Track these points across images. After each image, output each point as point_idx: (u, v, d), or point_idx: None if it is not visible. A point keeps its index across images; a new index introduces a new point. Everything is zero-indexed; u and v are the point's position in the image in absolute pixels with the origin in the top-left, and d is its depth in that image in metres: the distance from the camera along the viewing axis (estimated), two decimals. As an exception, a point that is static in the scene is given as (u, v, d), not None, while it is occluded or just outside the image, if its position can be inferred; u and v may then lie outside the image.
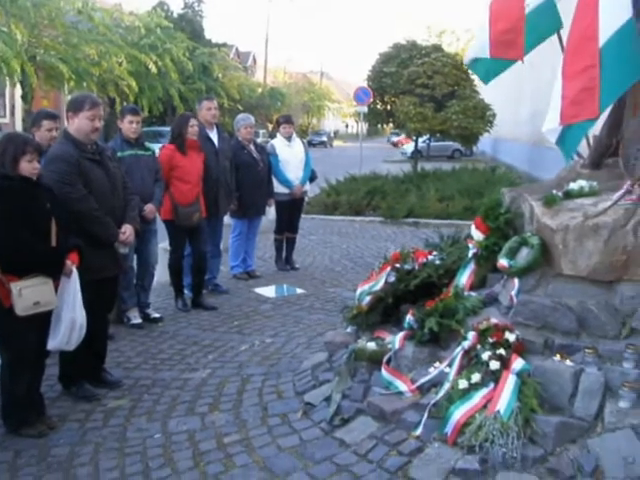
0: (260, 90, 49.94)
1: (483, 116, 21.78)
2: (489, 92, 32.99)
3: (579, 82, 4.15)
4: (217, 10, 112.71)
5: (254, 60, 66.83)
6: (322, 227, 13.49)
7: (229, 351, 6.02)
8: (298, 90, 63.17)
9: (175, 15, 43.51)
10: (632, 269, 4.38)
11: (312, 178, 9.57)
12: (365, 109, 22.03)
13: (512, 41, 5.29)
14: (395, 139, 58.24)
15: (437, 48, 23.61)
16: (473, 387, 4.02)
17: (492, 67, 5.90)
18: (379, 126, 30.47)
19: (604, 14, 4.02)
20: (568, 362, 4.10)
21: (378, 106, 23.31)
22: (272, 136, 32.02)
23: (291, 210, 9.24)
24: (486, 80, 6.02)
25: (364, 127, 27.06)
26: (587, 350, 4.06)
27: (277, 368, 5.55)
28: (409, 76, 21.10)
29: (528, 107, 25.96)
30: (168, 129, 14.82)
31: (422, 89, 20.94)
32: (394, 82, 21.46)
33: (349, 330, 5.54)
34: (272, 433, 4.40)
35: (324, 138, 58.31)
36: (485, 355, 4.09)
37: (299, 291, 8.23)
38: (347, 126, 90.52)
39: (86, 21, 25.87)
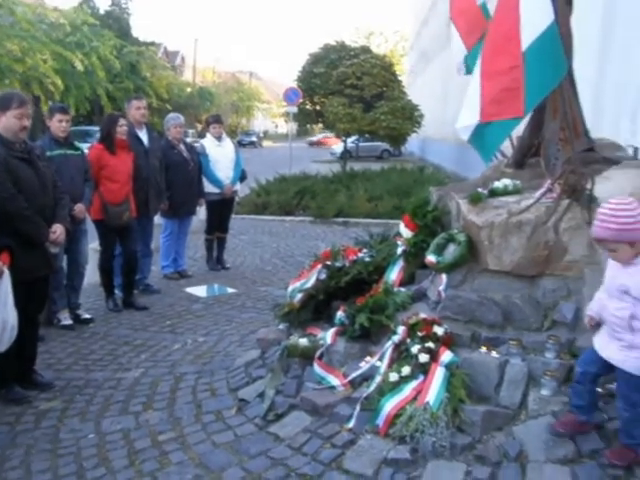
0: (189, 90, 49.56)
1: (411, 117, 22.20)
2: (417, 93, 33.59)
3: (500, 82, 4.28)
4: (144, 8, 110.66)
5: (182, 59, 66.20)
6: (252, 227, 13.54)
7: (161, 350, 6.02)
8: (227, 90, 62.91)
9: (102, 12, 42.75)
10: (553, 264, 4.59)
11: (242, 178, 9.63)
12: (295, 109, 22.16)
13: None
14: (314, 139, 58.47)
15: (366, 49, 23.98)
16: (403, 380, 4.14)
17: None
18: (308, 126, 30.57)
19: (526, 16, 4.16)
20: (494, 354, 4.26)
21: (307, 106, 23.50)
22: (201, 136, 31.81)
23: (222, 210, 9.26)
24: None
25: (294, 127, 27.12)
26: (511, 342, 4.24)
27: (210, 366, 5.58)
28: (338, 77, 21.36)
29: (455, 107, 26.44)
30: (96, 128, 14.65)
31: (351, 90, 21.23)
32: (323, 83, 21.69)
33: (281, 327, 5.61)
34: (207, 430, 4.43)
35: (254, 138, 58.33)
36: (414, 348, 4.22)
37: (230, 290, 8.25)
38: (277, 126, 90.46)
39: (7, 15, 25.22)
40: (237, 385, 5.04)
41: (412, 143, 38.13)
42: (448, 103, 29.18)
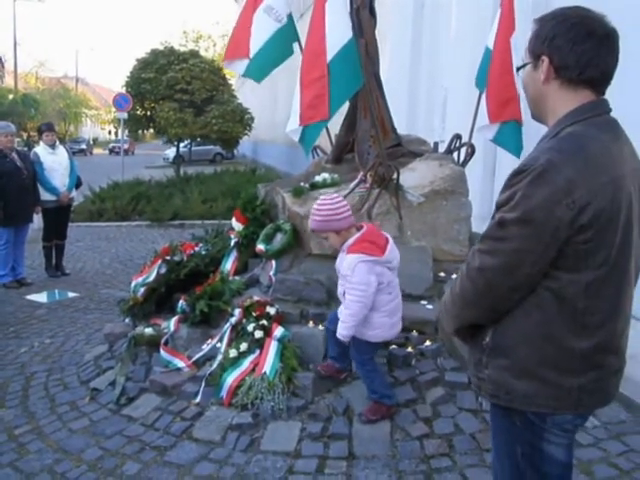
0: (11, 96, 47.43)
1: (242, 120, 22.69)
2: (247, 96, 34.06)
3: (313, 90, 4.89)
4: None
5: (2, 64, 63.05)
6: (89, 234, 13.51)
7: (9, 355, 6.13)
8: (53, 96, 60.49)
9: None
10: (367, 245, 5.25)
11: (77, 185, 9.72)
12: (125, 115, 21.93)
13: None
14: (116, 145, 54.87)
15: (195, 54, 24.15)
16: (242, 355, 4.64)
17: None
18: (140, 132, 30.27)
19: (330, 34, 4.81)
20: (320, 327, 4.86)
21: (138, 112, 23.34)
22: (27, 145, 30.74)
23: (58, 217, 9.32)
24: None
25: (125, 134, 26.85)
26: (338, 315, 4.85)
27: (60, 363, 5.80)
28: (168, 82, 21.44)
29: (283, 110, 27.24)
30: None
31: (181, 94, 21.40)
32: (153, 88, 21.66)
33: (126, 321, 5.95)
34: (62, 419, 4.70)
35: (83, 146, 56.11)
36: (250, 327, 4.73)
37: (72, 295, 8.38)
38: (110, 132, 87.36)
39: None
40: (88, 377, 5.33)
41: (244, 146, 38.60)
42: (277, 106, 29.91)
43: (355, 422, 4.26)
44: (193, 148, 35.55)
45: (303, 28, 6.18)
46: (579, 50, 2.01)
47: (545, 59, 2.06)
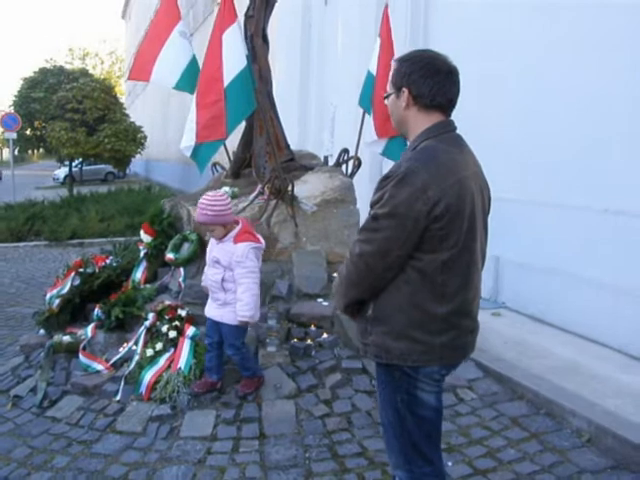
0: None
1: (135, 138, 22.81)
2: (139, 115, 34.03)
3: (209, 112, 5.40)
4: None
5: None
6: (-15, 255, 13.46)
7: None
8: None
9: None
10: (268, 251, 5.78)
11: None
12: (14, 135, 21.61)
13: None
14: None
15: (85, 73, 24.15)
16: (158, 354, 5.07)
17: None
18: (30, 152, 29.79)
19: (227, 61, 5.35)
20: (227, 326, 5.34)
21: (27, 132, 23.10)
22: None
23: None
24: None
25: (14, 154, 26.40)
26: (241, 314, 5.35)
27: (-23, 378, 6.01)
28: (59, 101, 21.37)
29: (175, 129, 27.44)
30: None
31: (73, 114, 21.34)
32: (44, 107, 21.60)
33: (41, 333, 6.23)
34: (-14, 425, 4.99)
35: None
36: (164, 328, 5.17)
37: (-23, 315, 8.50)
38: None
39: None
40: (8, 386, 5.58)
41: (136, 164, 38.43)
42: (169, 124, 30.05)
43: (264, 406, 4.78)
44: (84, 167, 35.06)
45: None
46: (430, 83, 2.62)
47: (405, 90, 2.65)
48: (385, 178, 2.55)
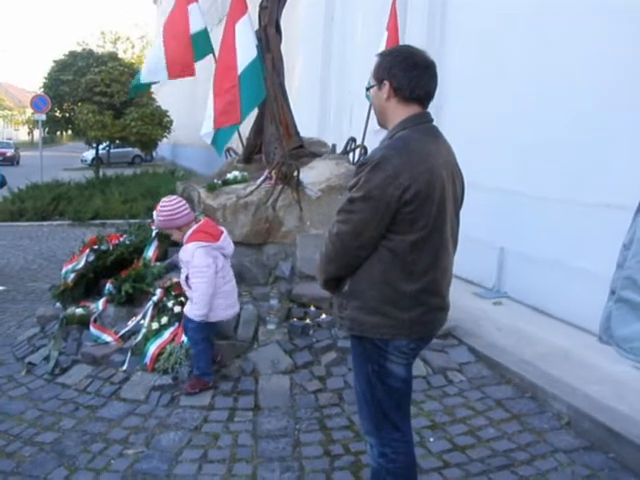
0: None
1: (161, 122, 23.11)
2: (165, 99, 34.36)
3: (225, 98, 5.68)
4: None
5: None
6: (10, 233, 13.87)
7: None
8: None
9: None
10: (273, 234, 6.07)
11: (2, 184, 10.15)
12: (44, 117, 22.02)
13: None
14: None
15: (114, 57, 24.43)
16: (163, 327, 5.35)
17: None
18: (58, 134, 30.24)
19: (240, 51, 5.63)
20: (231, 304, 5.60)
21: (57, 114, 23.49)
22: None
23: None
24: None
25: (43, 135, 26.85)
26: (244, 293, 5.61)
27: (-7, 346, 6.34)
28: (87, 84, 21.69)
29: (202, 114, 27.61)
30: None
31: (101, 97, 21.68)
32: (72, 90, 21.89)
33: (57, 306, 6.53)
34: (1, 389, 5.27)
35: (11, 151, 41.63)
36: (170, 303, 5.45)
37: (0, 288, 8.85)
38: (29, 134, 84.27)
39: None
40: (23, 354, 5.90)
41: (163, 148, 38.74)
42: (196, 109, 30.30)
43: (260, 380, 5.05)
44: (112, 150, 35.53)
45: (218, 36, 6.95)
46: (409, 76, 2.82)
47: (387, 83, 2.86)
48: (362, 164, 2.77)
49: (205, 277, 4.69)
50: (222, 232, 4.95)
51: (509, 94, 7.38)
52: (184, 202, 4.94)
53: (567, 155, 6.43)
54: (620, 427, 4.11)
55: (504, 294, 7.39)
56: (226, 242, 4.93)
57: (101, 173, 23.07)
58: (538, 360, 5.31)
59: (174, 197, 5.00)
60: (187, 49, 6.80)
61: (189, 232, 4.79)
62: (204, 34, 6.99)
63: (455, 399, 4.90)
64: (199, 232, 4.79)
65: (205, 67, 7.45)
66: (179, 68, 6.91)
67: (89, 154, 36.91)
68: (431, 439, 4.31)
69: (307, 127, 7.13)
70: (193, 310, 4.75)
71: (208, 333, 4.97)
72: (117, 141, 24.70)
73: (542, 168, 6.80)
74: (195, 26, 6.85)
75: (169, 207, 4.81)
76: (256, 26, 6.36)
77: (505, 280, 7.52)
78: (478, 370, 5.33)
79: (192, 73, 6.98)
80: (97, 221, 14.99)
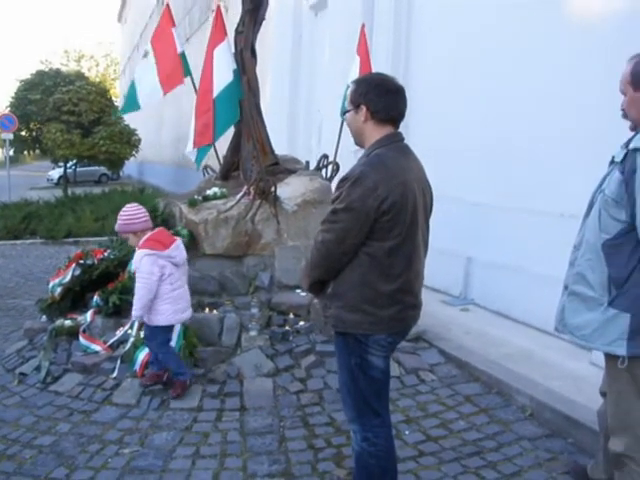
0: None
1: (129, 141, 23.31)
2: (133, 117, 34.47)
3: (202, 120, 6.08)
4: None
5: None
6: (-17, 252, 13.94)
7: None
8: None
9: None
10: (252, 246, 6.41)
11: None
12: (11, 136, 22.05)
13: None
14: None
15: (81, 76, 24.57)
16: (151, 336, 5.62)
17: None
18: (24, 153, 30.22)
19: (217, 75, 6.01)
20: (215, 312, 5.94)
21: (23, 133, 23.54)
22: None
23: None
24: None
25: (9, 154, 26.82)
26: (226, 302, 5.94)
27: (-18, 359, 6.51)
28: (55, 103, 21.83)
29: (170, 132, 27.90)
30: None
31: (69, 116, 21.82)
32: (40, 109, 21.99)
33: (44, 319, 6.77)
34: (-5, 399, 5.51)
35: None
36: (157, 313, 5.72)
37: (-20, 305, 9.00)
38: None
39: None
40: (14, 366, 6.10)
41: (130, 166, 38.79)
42: (163, 128, 30.54)
43: (245, 383, 5.37)
44: (78, 169, 35.41)
45: (189, 50, 7.31)
46: (384, 100, 3.20)
47: (364, 107, 3.23)
48: (343, 179, 3.13)
49: (146, 284, 4.95)
50: (174, 241, 5.20)
51: (472, 110, 7.80)
52: (144, 210, 5.23)
53: (527, 168, 6.84)
54: (578, 415, 4.51)
55: (471, 301, 7.77)
56: (176, 251, 5.16)
57: (69, 192, 23.11)
58: (503, 360, 5.70)
59: (136, 204, 5.29)
60: (176, 62, 7.10)
61: (143, 239, 5.07)
62: (184, 57, 7.32)
63: (427, 396, 5.27)
64: (150, 240, 5.05)
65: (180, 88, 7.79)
66: (171, 81, 7.21)
67: (55, 173, 36.87)
68: (406, 432, 4.66)
69: (277, 144, 7.47)
70: (132, 312, 5.05)
71: (163, 338, 5.24)
72: (85, 160, 24.78)
73: (504, 180, 7.22)
74: (179, 47, 7.18)
75: (129, 212, 5.10)
76: (233, 50, 6.72)
77: (471, 288, 7.91)
78: (448, 370, 5.71)
79: (182, 81, 7.26)
80: (70, 239, 15.11)
